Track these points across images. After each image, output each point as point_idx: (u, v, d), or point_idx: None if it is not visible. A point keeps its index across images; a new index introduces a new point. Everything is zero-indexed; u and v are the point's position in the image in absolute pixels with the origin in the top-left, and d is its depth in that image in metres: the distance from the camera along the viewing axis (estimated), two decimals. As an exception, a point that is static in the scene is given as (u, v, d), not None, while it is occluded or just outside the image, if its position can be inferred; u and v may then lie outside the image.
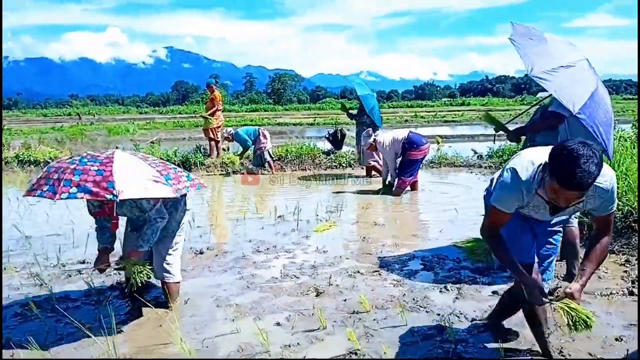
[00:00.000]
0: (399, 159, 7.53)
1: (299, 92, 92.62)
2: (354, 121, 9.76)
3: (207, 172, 10.21)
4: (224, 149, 11.58)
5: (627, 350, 2.79)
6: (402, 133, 7.53)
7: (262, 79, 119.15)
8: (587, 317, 2.27)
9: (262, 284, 3.91)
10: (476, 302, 3.53)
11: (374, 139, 7.65)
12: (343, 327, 3.13)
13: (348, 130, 13.58)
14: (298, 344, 2.93)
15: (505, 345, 2.83)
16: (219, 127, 11.01)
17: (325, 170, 10.40)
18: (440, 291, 3.73)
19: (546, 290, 2.41)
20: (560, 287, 2.33)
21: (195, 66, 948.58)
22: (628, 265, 4.25)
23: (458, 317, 3.27)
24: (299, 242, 5.11)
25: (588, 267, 2.35)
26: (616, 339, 2.92)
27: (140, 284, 3.26)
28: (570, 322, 2.25)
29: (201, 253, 4.71)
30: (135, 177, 2.93)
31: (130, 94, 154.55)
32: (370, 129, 8.09)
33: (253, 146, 10.00)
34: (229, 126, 21.39)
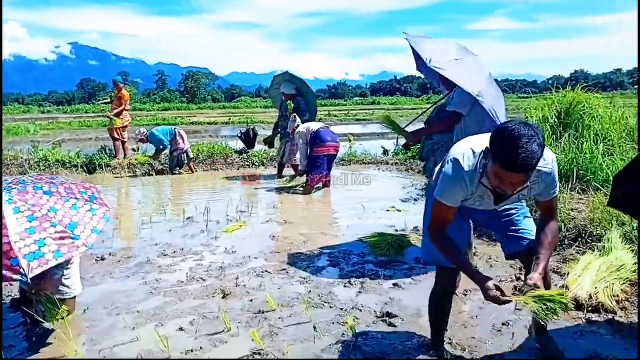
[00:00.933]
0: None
1: (213, 91, 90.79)
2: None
3: (113, 173, 9.76)
4: (133, 150, 11.13)
5: (513, 334, 3.02)
6: (315, 125, 7.65)
7: (175, 77, 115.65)
8: (559, 295, 2.16)
9: (167, 289, 3.82)
10: (377, 295, 3.67)
11: (297, 125, 7.75)
12: (248, 327, 3.13)
13: (263, 129, 13.54)
14: (201, 347, 2.90)
15: (405, 341, 2.97)
16: (125, 127, 10.55)
17: (238, 169, 10.32)
18: (345, 286, 3.84)
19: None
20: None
21: (103, 63, 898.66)
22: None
23: (360, 310, 3.39)
24: (208, 243, 5.04)
25: (542, 254, 2.26)
26: (503, 324, 3.15)
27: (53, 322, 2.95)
28: (543, 311, 2.13)
29: (102, 259, 4.50)
30: (39, 242, 2.52)
31: (31, 92, 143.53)
32: (295, 114, 8.09)
33: (169, 147, 9.68)
34: (141, 125, 20.61)
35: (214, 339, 3.01)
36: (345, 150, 11.17)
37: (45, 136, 18.54)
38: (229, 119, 26.86)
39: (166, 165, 9.79)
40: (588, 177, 5.81)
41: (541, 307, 2.12)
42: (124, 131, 10.47)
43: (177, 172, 9.65)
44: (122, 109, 10.35)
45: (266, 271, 4.17)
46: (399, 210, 6.28)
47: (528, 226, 2.58)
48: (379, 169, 9.98)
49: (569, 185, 5.65)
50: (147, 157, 10.13)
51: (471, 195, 2.28)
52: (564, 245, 4.47)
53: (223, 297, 3.63)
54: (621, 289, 3.45)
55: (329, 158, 7.70)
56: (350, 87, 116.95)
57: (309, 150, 7.57)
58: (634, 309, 3.31)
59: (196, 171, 9.90)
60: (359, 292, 3.72)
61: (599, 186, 5.48)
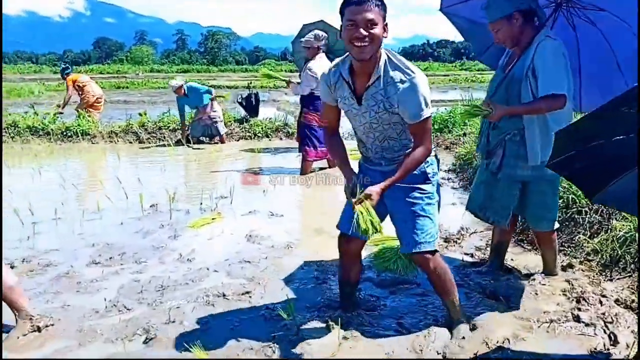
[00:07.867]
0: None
1: (235, 53, 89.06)
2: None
3: (92, 142, 8.65)
4: (139, 114, 9.80)
5: None
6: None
7: (195, 37, 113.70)
8: (377, 223, 2.23)
9: (67, 326, 2.64)
10: (375, 346, 2.48)
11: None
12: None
13: (285, 94, 12.30)
14: None
15: None
16: (98, 101, 9.46)
17: (238, 141, 9.13)
18: (326, 327, 2.65)
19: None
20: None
21: (119, 21, 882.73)
22: (570, 270, 3.33)
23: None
24: (162, 245, 3.87)
25: (396, 174, 2.27)
26: None
27: None
28: (364, 223, 2.18)
29: (12, 267, 3.36)
30: None
31: (45, 51, 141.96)
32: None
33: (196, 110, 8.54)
34: (160, 88, 19.19)
35: None
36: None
37: (51, 98, 17.46)
38: (250, 82, 25.36)
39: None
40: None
41: (364, 218, 2.17)
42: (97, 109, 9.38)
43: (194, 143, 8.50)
44: (69, 97, 9.32)
45: (222, 295, 3.00)
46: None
47: (420, 227, 2.42)
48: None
49: None
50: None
51: (335, 92, 2.36)
52: None
53: (145, 342, 2.50)
54: None
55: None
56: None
57: (299, 113, 6.25)
58: None
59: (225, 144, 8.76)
60: (344, 339, 2.54)
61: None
